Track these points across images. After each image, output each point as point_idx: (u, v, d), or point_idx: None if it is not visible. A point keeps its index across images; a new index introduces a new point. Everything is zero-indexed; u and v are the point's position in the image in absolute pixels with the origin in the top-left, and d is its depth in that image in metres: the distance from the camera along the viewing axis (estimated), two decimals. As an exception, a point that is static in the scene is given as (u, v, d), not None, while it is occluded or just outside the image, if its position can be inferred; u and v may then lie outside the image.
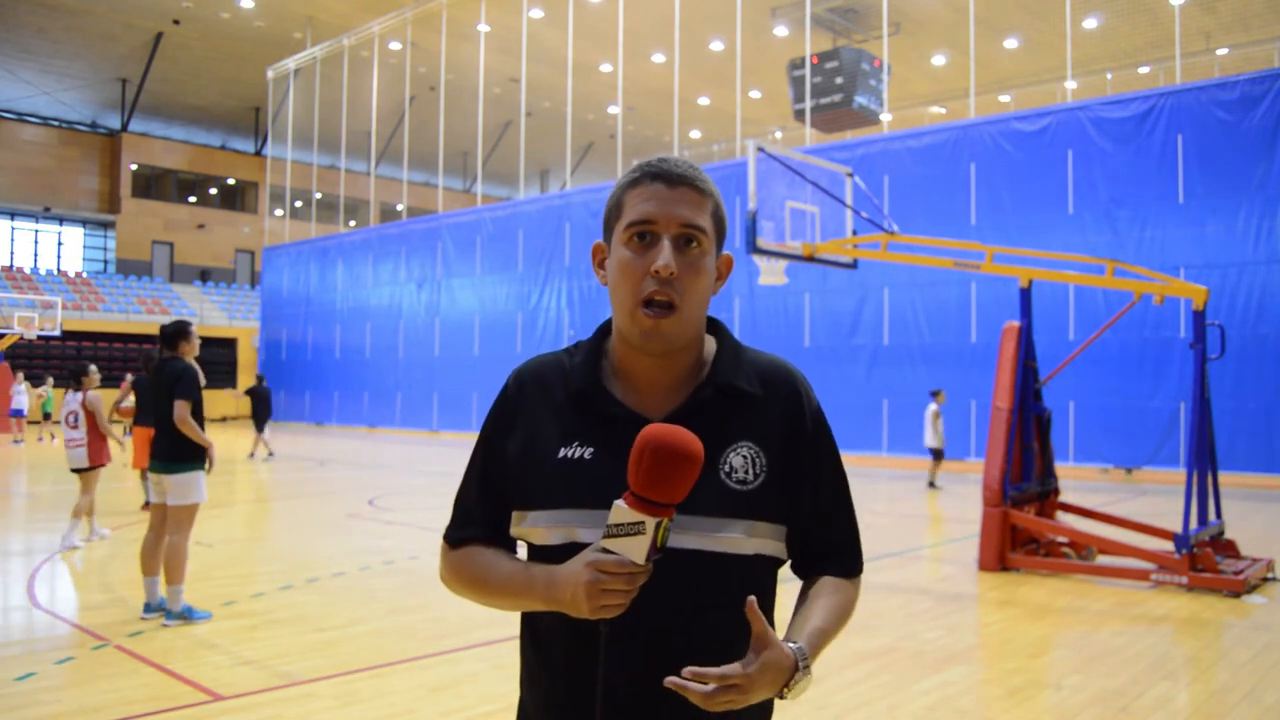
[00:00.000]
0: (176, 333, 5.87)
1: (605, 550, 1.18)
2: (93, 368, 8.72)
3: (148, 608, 5.74)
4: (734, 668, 1.15)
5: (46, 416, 24.33)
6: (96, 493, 8.34)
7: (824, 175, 9.58)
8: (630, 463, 1.17)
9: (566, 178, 34.39)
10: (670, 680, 1.14)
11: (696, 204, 1.30)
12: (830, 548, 1.41)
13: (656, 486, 1.15)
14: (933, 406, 13.38)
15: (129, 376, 11.96)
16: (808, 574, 1.42)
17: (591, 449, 1.31)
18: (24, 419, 22.63)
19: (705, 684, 1.14)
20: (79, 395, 8.34)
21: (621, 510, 1.16)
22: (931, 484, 13.63)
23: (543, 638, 1.35)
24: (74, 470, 8.26)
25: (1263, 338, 13.61)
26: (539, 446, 1.35)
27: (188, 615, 5.61)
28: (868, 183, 13.04)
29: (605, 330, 1.42)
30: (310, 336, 30.44)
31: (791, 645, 1.22)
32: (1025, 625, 5.89)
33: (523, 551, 1.41)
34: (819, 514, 1.38)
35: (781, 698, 1.23)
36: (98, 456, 8.24)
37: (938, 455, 13.57)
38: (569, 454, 1.32)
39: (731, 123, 24.32)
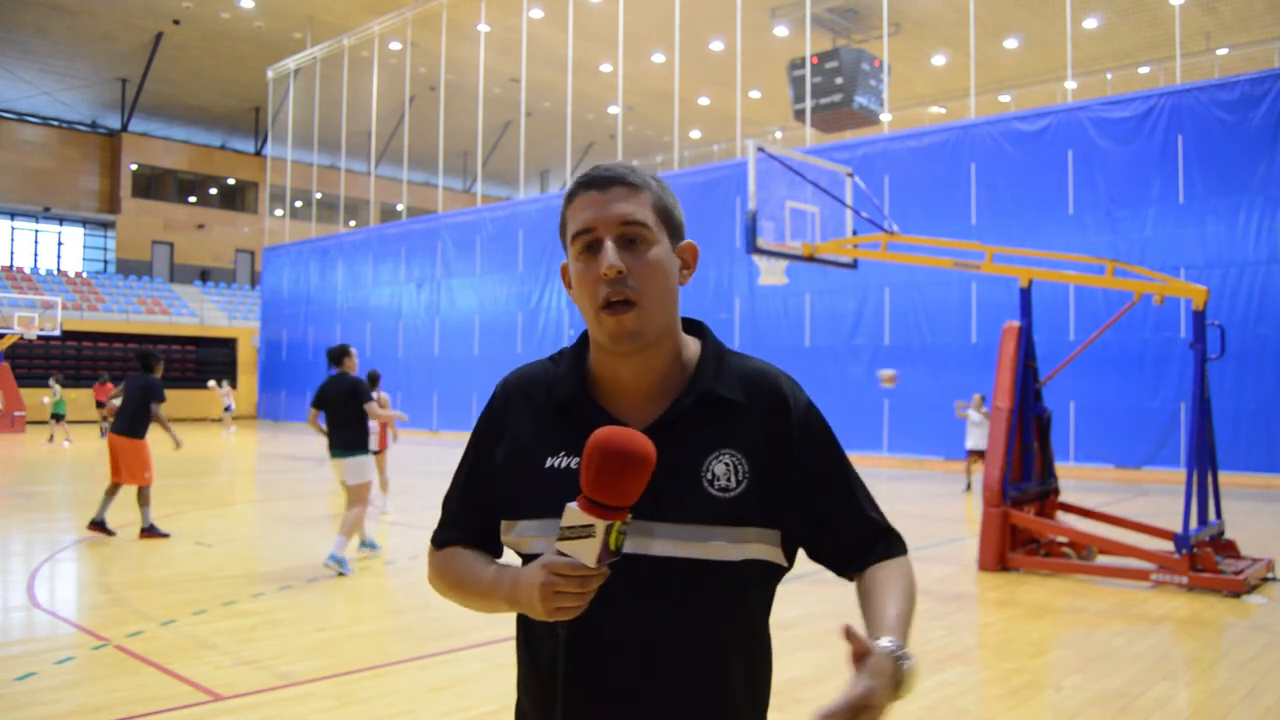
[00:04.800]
0: (341, 353, 7.70)
1: (560, 553, 1.18)
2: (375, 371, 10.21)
3: (332, 558, 7.11)
4: (856, 691, 1.10)
5: (58, 418, 22.04)
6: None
7: (824, 175, 9.57)
8: (581, 465, 1.17)
9: (566, 178, 34.39)
10: None
11: (631, 199, 1.29)
12: (861, 539, 1.39)
13: (605, 489, 1.14)
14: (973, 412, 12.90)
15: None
16: (853, 570, 1.39)
17: (577, 458, 1.29)
18: None
19: None
20: None
21: (573, 513, 1.16)
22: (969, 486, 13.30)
23: (534, 641, 1.36)
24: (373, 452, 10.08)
25: (1263, 338, 13.60)
26: (526, 456, 1.35)
27: (341, 564, 7.06)
28: (868, 183, 13.02)
29: (587, 337, 1.42)
30: (310, 336, 30.40)
31: (882, 643, 1.18)
32: (1025, 625, 5.89)
33: (515, 561, 1.40)
34: (834, 510, 1.37)
35: (901, 696, 1.17)
36: (380, 442, 10.03)
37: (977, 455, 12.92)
38: (555, 463, 1.33)
39: (731, 123, 24.30)
